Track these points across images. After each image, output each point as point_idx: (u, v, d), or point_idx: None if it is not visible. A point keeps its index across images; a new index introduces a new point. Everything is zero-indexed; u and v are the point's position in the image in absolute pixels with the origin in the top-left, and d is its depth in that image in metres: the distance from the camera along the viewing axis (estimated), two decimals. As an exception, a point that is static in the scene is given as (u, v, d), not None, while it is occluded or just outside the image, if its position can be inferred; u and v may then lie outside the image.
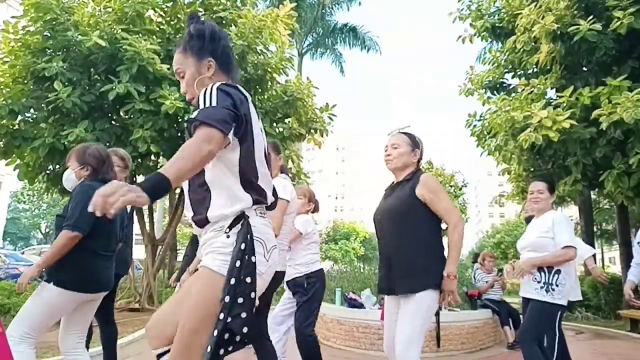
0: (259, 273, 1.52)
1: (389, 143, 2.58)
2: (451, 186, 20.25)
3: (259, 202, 1.60)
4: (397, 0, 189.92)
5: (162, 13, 7.98)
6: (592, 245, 13.11)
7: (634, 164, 6.45)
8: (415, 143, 2.56)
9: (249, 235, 1.51)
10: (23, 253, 17.90)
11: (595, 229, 14.68)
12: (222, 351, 1.45)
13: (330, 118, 9.08)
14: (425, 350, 5.07)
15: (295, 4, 9.38)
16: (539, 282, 3.04)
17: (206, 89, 1.55)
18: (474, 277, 6.66)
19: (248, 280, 1.47)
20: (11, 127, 7.01)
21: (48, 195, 8.66)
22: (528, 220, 4.36)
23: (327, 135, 9.16)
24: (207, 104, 1.49)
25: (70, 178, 2.57)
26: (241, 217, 1.55)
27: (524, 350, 2.99)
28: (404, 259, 2.38)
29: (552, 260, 3.02)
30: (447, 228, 2.43)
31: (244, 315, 1.45)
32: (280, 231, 2.78)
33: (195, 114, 1.48)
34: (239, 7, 8.15)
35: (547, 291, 2.99)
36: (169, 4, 7.85)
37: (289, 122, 8.78)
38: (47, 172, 7.62)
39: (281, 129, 8.59)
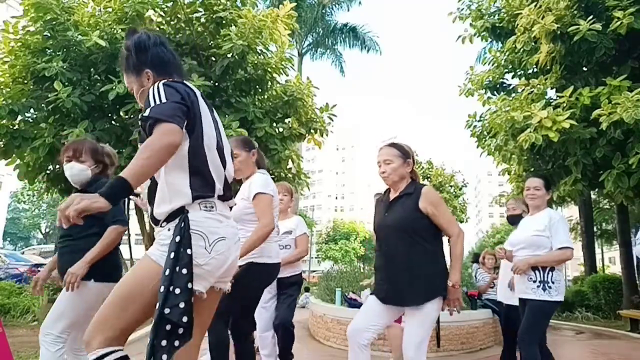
0: (197, 264, 1.56)
1: (380, 159, 2.62)
2: (451, 186, 20.26)
3: (202, 197, 1.63)
4: (397, 0, 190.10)
5: (162, 13, 7.97)
6: (592, 245, 13.14)
7: (634, 164, 6.44)
8: (405, 153, 2.60)
9: (185, 230, 1.56)
10: (23, 253, 17.90)
11: (595, 229, 14.68)
12: (164, 342, 1.49)
13: (330, 118, 9.07)
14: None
15: (295, 4, 9.37)
16: (534, 281, 3.02)
17: (153, 87, 1.58)
18: (475, 276, 6.66)
19: (184, 271, 1.52)
20: (11, 127, 7.01)
21: (48, 195, 8.66)
22: (510, 219, 4.34)
23: (327, 135, 9.15)
24: (157, 101, 1.53)
25: (84, 174, 2.58)
26: (180, 212, 1.60)
27: (523, 351, 2.96)
28: (412, 272, 2.43)
29: (549, 261, 3.02)
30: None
31: (182, 305, 1.49)
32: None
33: (147, 112, 1.52)
34: (239, 7, 8.14)
35: (544, 289, 2.98)
36: (169, 4, 7.84)
37: (289, 122, 8.77)
38: (47, 172, 7.61)
39: (281, 129, 8.58)
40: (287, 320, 3.60)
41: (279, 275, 3.54)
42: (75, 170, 2.56)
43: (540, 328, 3.04)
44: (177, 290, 1.49)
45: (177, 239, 1.54)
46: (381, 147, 2.68)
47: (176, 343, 1.52)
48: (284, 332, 3.59)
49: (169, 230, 1.60)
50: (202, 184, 1.63)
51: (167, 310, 1.47)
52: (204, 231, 1.60)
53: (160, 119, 1.48)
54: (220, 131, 1.80)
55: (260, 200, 2.62)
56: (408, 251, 2.45)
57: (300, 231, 3.75)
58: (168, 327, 1.48)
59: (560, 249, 3.01)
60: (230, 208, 1.80)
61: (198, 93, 1.71)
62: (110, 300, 1.58)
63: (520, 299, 3.20)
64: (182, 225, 1.56)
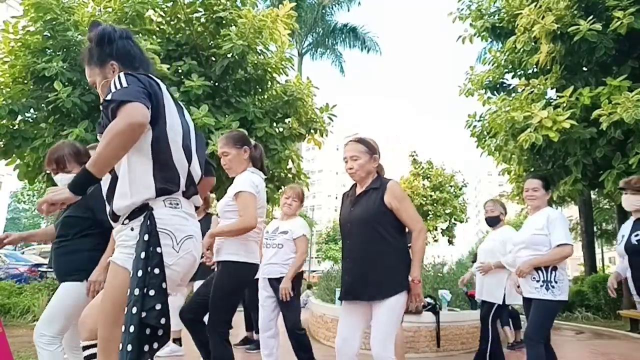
0: (167, 264, 1.50)
1: (347, 155, 2.60)
2: (451, 186, 20.22)
3: (165, 192, 1.57)
4: (397, 0, 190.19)
5: (162, 13, 7.97)
6: (592, 245, 13.13)
7: (634, 164, 6.45)
8: (371, 149, 2.60)
9: (152, 227, 1.49)
10: (23, 253, 17.88)
11: (595, 229, 14.67)
12: (146, 347, 1.44)
13: (330, 118, 9.07)
14: (425, 350, 5.07)
15: (295, 4, 9.37)
16: (537, 280, 3.03)
17: (114, 77, 1.53)
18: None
19: (156, 271, 1.46)
20: (11, 127, 7.03)
21: (48, 195, 8.66)
22: (488, 220, 4.33)
23: (327, 135, 9.15)
24: (118, 87, 1.48)
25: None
26: (144, 209, 1.53)
27: (529, 350, 2.98)
28: (375, 265, 2.42)
29: (550, 259, 3.02)
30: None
31: (158, 307, 1.44)
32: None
33: (109, 96, 1.46)
34: (239, 7, 8.14)
35: (547, 289, 2.99)
36: (169, 4, 7.84)
37: (289, 122, 8.78)
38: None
39: (281, 129, 8.59)
40: (293, 324, 3.50)
41: (270, 277, 3.54)
42: (65, 181, 2.54)
43: (546, 327, 3.05)
44: (152, 292, 1.44)
45: (146, 237, 1.47)
46: (347, 143, 2.66)
47: (155, 346, 1.47)
48: (295, 338, 3.51)
49: (132, 230, 1.53)
50: (165, 176, 1.56)
51: (143, 314, 1.41)
52: (171, 229, 1.54)
53: (124, 100, 1.42)
54: (190, 128, 1.75)
55: (242, 198, 2.59)
56: (372, 245, 2.44)
57: (298, 233, 3.63)
58: (148, 331, 1.44)
59: (558, 246, 3.01)
60: (196, 208, 1.74)
61: (163, 87, 1.65)
62: (102, 321, 1.53)
63: (524, 299, 3.21)
64: (148, 223, 1.49)
